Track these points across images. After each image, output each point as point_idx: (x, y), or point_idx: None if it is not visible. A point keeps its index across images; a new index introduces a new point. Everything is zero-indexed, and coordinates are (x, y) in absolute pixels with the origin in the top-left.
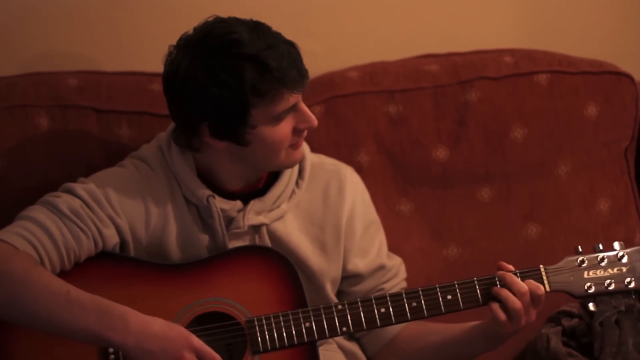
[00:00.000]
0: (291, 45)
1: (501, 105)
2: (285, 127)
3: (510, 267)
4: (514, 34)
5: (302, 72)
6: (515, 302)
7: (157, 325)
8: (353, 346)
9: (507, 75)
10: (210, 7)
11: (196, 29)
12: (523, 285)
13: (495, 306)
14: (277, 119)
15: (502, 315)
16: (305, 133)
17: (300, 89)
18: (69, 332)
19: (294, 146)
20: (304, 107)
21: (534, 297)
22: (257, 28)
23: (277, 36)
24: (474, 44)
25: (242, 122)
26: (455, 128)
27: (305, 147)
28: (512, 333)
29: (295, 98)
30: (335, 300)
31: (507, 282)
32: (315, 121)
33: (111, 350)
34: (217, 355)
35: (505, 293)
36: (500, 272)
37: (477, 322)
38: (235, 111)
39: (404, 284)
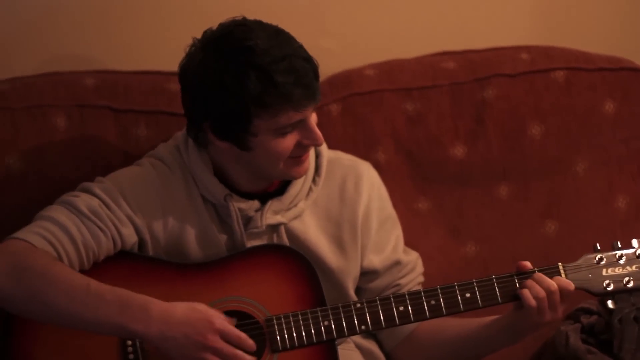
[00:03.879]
0: (307, 62)
1: (518, 103)
2: (288, 141)
3: (529, 264)
4: (531, 31)
5: (310, 91)
6: (540, 291)
7: (179, 310)
8: (371, 344)
9: (524, 72)
10: (228, 5)
11: (219, 27)
12: (552, 283)
13: (526, 292)
14: (281, 132)
15: (532, 302)
16: (309, 148)
17: (305, 107)
18: (91, 325)
19: (297, 160)
20: (311, 124)
21: (563, 294)
22: (277, 37)
23: (296, 49)
24: (490, 41)
25: (244, 128)
26: (473, 125)
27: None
28: (533, 327)
29: (300, 115)
30: (355, 298)
31: (535, 279)
32: (320, 140)
33: (129, 342)
34: (241, 334)
35: (530, 282)
36: (528, 274)
37: (496, 317)
38: (237, 117)
39: (421, 279)
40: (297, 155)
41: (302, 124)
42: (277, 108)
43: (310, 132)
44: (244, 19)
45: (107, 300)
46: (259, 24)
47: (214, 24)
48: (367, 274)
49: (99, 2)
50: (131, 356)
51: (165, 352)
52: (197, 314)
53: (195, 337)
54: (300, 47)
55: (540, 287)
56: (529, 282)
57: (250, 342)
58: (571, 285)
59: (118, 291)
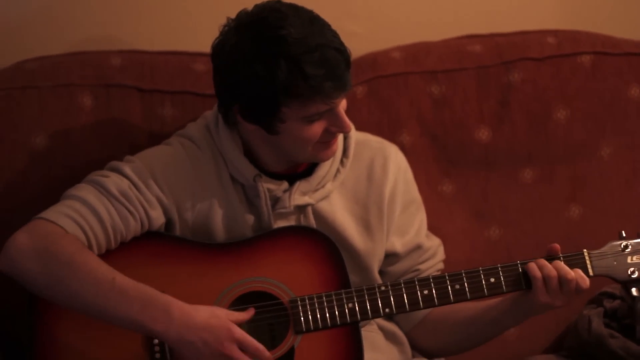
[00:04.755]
0: (339, 52)
1: (544, 86)
2: (316, 128)
3: (558, 246)
4: (557, 15)
5: (340, 83)
6: (551, 270)
7: (200, 315)
8: (393, 326)
9: (550, 56)
10: None
11: (255, 10)
12: (570, 272)
13: (532, 265)
14: (309, 120)
15: (537, 273)
16: (338, 134)
17: (335, 98)
18: (112, 319)
19: (326, 144)
20: (340, 112)
21: (577, 288)
22: (311, 25)
23: (329, 39)
24: (516, 24)
25: (272, 115)
26: (498, 109)
27: None
28: (539, 308)
29: (329, 105)
30: (379, 280)
31: (555, 266)
32: (349, 128)
33: (156, 341)
34: (259, 345)
35: (542, 261)
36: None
37: (502, 297)
38: (265, 104)
39: (440, 266)
40: (326, 141)
41: (331, 112)
42: (307, 99)
43: (339, 119)
44: (279, 2)
45: (130, 296)
46: (294, 9)
47: (240, 4)
48: (388, 257)
49: None
50: (157, 348)
51: (182, 355)
52: (218, 320)
53: (214, 344)
54: (334, 35)
55: (552, 267)
56: (541, 261)
57: (267, 355)
58: (586, 282)
59: (142, 288)
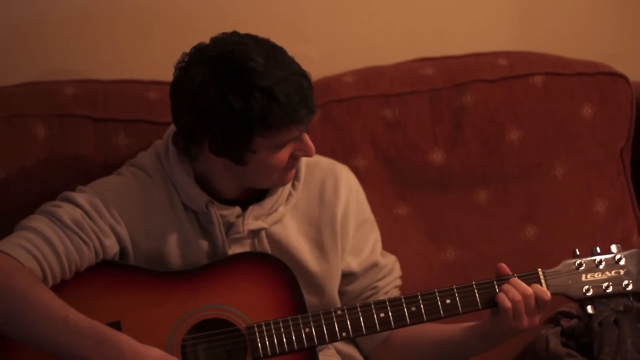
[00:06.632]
0: (304, 78)
1: (497, 108)
2: (283, 154)
3: (508, 270)
4: (509, 37)
5: (311, 108)
6: (516, 294)
7: (152, 356)
8: (351, 349)
9: (503, 78)
10: (207, 16)
11: (214, 44)
12: (527, 288)
13: (502, 295)
14: (279, 147)
15: (507, 303)
16: (300, 159)
17: (307, 123)
18: (64, 356)
19: (288, 169)
20: (306, 137)
21: (539, 302)
22: (274, 55)
23: (292, 66)
24: (469, 46)
25: (244, 146)
26: (452, 131)
27: None
28: (510, 332)
29: (301, 131)
30: (338, 302)
31: (511, 284)
32: (313, 151)
33: None
34: None
35: (506, 286)
36: (507, 279)
37: (474, 322)
38: (240, 136)
39: (398, 282)
40: (290, 167)
41: (298, 137)
42: (282, 127)
43: (305, 144)
44: (237, 34)
45: (83, 334)
46: (254, 40)
47: (193, 33)
48: (345, 277)
49: (78, 12)
50: None
51: None
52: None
53: None
54: (294, 62)
55: (516, 290)
56: (505, 286)
57: None
58: (547, 295)
59: (95, 326)
